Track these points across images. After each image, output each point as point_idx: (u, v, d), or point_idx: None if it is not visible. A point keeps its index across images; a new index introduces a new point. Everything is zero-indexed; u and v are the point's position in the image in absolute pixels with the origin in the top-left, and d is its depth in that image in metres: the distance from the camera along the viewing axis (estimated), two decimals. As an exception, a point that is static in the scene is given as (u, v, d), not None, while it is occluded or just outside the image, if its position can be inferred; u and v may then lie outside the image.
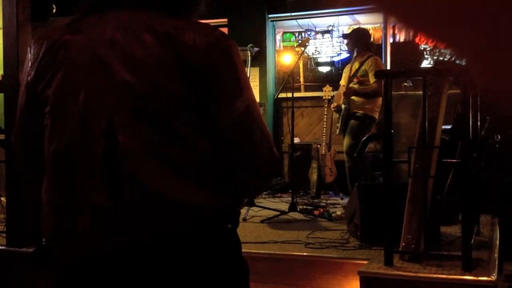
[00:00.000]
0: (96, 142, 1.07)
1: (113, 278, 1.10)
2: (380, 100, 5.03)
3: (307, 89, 7.22)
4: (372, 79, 5.02)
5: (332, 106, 5.43)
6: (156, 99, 1.08)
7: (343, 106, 5.19)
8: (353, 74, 5.21)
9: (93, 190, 1.08)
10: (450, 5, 0.45)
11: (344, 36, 5.72)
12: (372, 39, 5.83)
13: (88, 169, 1.09)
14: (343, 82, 5.39)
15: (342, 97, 5.19)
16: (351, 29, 5.57)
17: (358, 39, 5.30)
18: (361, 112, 5.12)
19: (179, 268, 1.10)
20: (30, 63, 1.19)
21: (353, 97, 5.15)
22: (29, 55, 1.19)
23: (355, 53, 5.32)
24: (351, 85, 5.19)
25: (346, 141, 5.20)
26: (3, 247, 3.23)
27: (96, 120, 1.08)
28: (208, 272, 1.14)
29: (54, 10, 6.63)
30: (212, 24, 1.25)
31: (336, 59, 7.08)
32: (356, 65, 5.26)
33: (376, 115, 5.16)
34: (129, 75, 1.07)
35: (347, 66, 5.47)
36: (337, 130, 5.35)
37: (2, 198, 4.40)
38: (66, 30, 1.16)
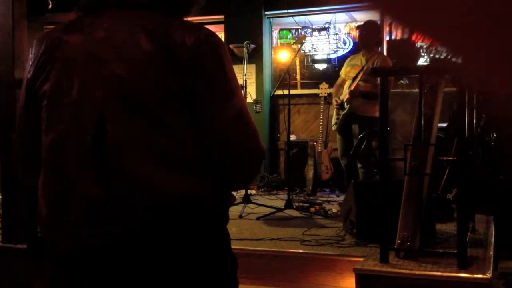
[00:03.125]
0: (87, 133, 1.11)
1: (105, 269, 1.13)
2: None
3: (303, 86, 7.22)
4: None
5: (334, 102, 5.27)
6: (146, 92, 1.12)
7: (346, 105, 5.08)
8: (359, 70, 5.01)
9: (84, 180, 1.11)
10: (444, 3, 0.45)
11: (358, 27, 5.53)
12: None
13: (79, 159, 1.12)
14: (345, 75, 5.23)
15: (347, 95, 5.06)
16: (365, 22, 5.37)
17: (371, 32, 5.11)
18: (363, 114, 5.00)
19: (166, 260, 1.13)
20: (30, 62, 1.24)
21: (357, 97, 5.03)
22: (30, 54, 1.25)
23: (363, 47, 5.18)
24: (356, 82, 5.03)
25: (343, 143, 5.17)
26: (-2, 244, 3.22)
27: (88, 111, 1.12)
28: (192, 264, 1.16)
29: (50, 6, 6.60)
30: (208, 21, 1.27)
31: (332, 56, 7.08)
32: (363, 60, 5.08)
33: (378, 114, 5.10)
34: (120, 69, 1.12)
35: (351, 57, 5.32)
36: (334, 125, 5.28)
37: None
38: (64, 30, 1.22)
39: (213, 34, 1.20)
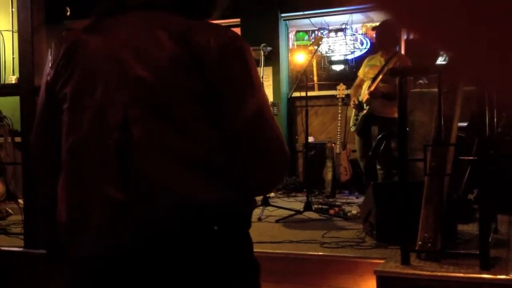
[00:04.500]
0: (111, 136, 1.10)
1: (126, 273, 1.11)
2: None
3: (320, 88, 7.20)
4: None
5: (352, 103, 5.21)
6: (169, 94, 1.10)
7: (365, 106, 5.03)
8: (378, 71, 4.96)
9: (106, 184, 1.10)
10: (446, 5, 0.45)
11: (374, 29, 5.50)
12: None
13: (102, 162, 1.11)
14: (364, 75, 5.16)
15: (367, 96, 4.99)
16: (380, 22, 5.33)
17: (387, 33, 5.03)
18: (382, 115, 4.95)
19: (189, 265, 1.11)
20: (50, 64, 1.23)
21: (377, 98, 4.96)
22: (49, 56, 1.24)
23: (380, 47, 5.12)
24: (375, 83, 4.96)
25: (362, 144, 5.14)
26: (20, 249, 3.26)
27: (112, 114, 1.11)
28: (216, 270, 1.15)
29: (69, 13, 6.69)
30: (224, 25, 1.27)
31: (349, 57, 7.05)
32: (382, 60, 5.02)
33: (397, 115, 5.05)
34: (143, 70, 1.10)
35: (370, 57, 5.27)
36: (353, 127, 5.23)
37: (20, 200, 4.45)
38: (84, 32, 1.21)
39: (238, 36, 1.18)
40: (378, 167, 5.04)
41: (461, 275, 2.38)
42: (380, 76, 4.93)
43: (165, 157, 1.09)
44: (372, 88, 4.97)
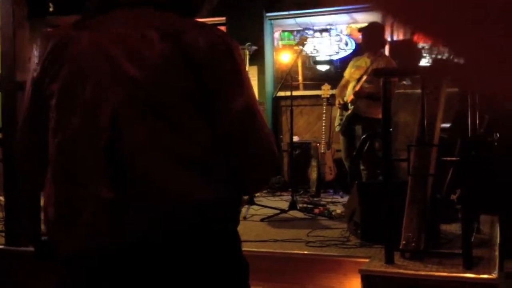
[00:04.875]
0: (101, 134, 1.09)
1: (114, 272, 1.10)
2: None
3: (305, 87, 7.21)
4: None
5: (337, 103, 5.24)
6: (161, 93, 1.10)
7: (350, 105, 5.05)
8: (364, 72, 4.99)
9: (96, 182, 1.09)
10: (447, 2, 0.45)
11: (360, 30, 5.53)
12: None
13: (92, 160, 1.10)
14: (349, 76, 5.18)
15: (351, 96, 5.02)
16: (367, 24, 5.35)
17: (373, 35, 5.09)
18: (367, 116, 4.97)
19: (181, 264, 1.11)
20: (36, 60, 1.20)
21: (361, 99, 4.99)
22: (35, 52, 1.21)
23: (366, 48, 5.15)
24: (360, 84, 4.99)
25: (347, 144, 5.15)
26: (1, 247, 3.22)
27: (102, 112, 1.10)
28: (208, 270, 1.14)
29: (52, 9, 6.61)
30: (210, 23, 1.27)
31: (334, 57, 7.07)
32: (368, 61, 5.05)
33: (381, 116, 5.07)
34: (134, 69, 1.10)
35: (356, 59, 5.29)
36: (337, 127, 5.25)
37: (1, 197, 4.39)
38: (73, 28, 1.19)
39: (226, 35, 1.19)
40: (362, 167, 5.06)
41: (445, 274, 2.40)
42: (365, 77, 4.96)
43: (156, 156, 1.08)
44: (357, 88, 5.00)
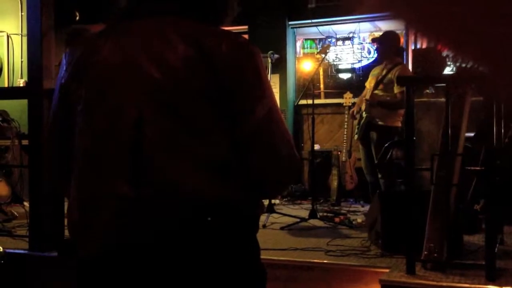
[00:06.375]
0: (125, 135, 1.12)
1: (131, 270, 1.12)
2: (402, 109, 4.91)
3: (327, 96, 7.20)
4: (396, 89, 4.89)
5: (352, 110, 5.27)
6: (183, 95, 1.12)
7: (364, 114, 5.06)
8: (379, 79, 5.02)
9: (118, 181, 1.12)
10: (466, 14, 0.45)
11: (374, 40, 5.56)
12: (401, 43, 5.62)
13: (115, 161, 1.13)
14: (368, 85, 5.19)
15: (365, 103, 5.04)
16: (382, 33, 5.36)
17: (387, 44, 5.09)
18: (382, 123, 4.96)
19: (197, 265, 1.12)
20: (65, 67, 1.25)
21: (375, 106, 4.98)
22: (64, 60, 1.26)
23: (382, 58, 5.16)
24: (375, 91, 5.01)
25: (365, 154, 5.13)
26: (25, 252, 3.27)
27: (127, 114, 1.13)
28: (225, 275, 1.15)
29: (78, 18, 6.74)
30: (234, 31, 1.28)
31: (356, 66, 7.05)
32: (384, 70, 5.05)
33: (398, 124, 5.04)
34: (157, 73, 1.13)
35: (376, 68, 5.29)
36: (356, 136, 5.25)
37: (25, 203, 4.46)
38: (99, 36, 1.23)
39: (248, 42, 1.21)
40: (379, 175, 5.03)
41: (467, 285, 2.37)
42: (379, 85, 4.98)
43: (177, 157, 1.11)
44: (367, 96, 5.01)
